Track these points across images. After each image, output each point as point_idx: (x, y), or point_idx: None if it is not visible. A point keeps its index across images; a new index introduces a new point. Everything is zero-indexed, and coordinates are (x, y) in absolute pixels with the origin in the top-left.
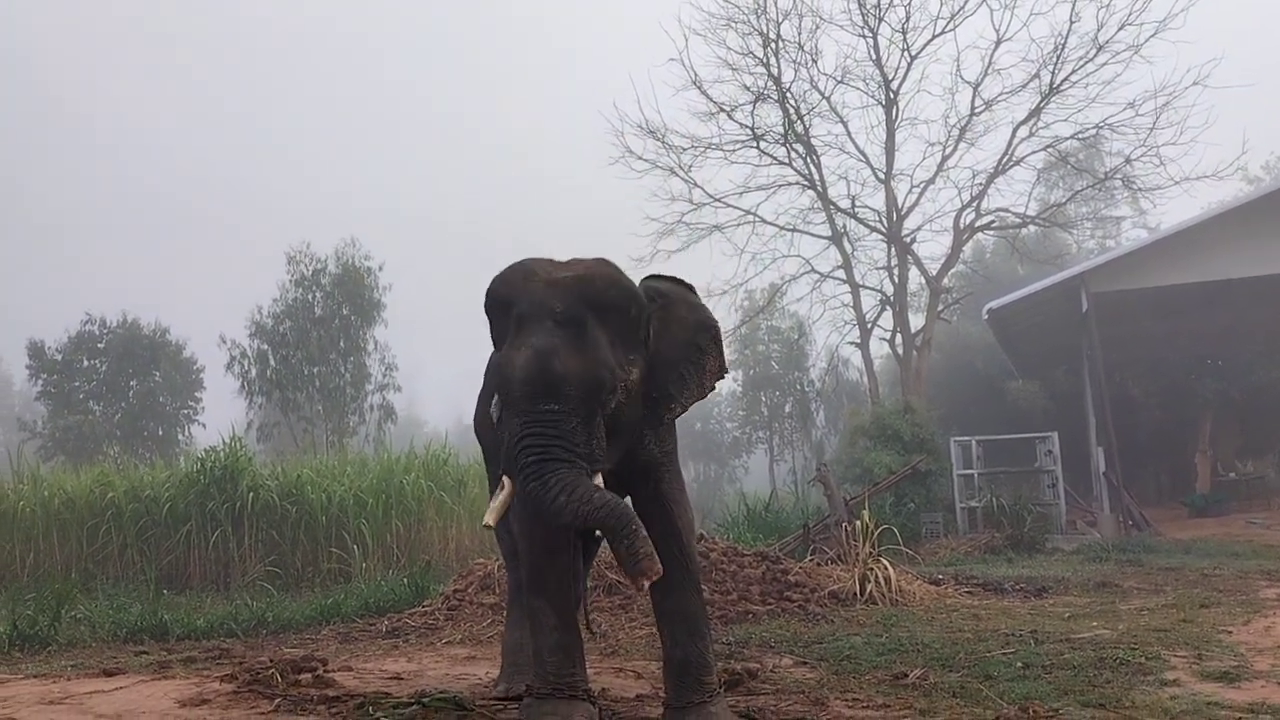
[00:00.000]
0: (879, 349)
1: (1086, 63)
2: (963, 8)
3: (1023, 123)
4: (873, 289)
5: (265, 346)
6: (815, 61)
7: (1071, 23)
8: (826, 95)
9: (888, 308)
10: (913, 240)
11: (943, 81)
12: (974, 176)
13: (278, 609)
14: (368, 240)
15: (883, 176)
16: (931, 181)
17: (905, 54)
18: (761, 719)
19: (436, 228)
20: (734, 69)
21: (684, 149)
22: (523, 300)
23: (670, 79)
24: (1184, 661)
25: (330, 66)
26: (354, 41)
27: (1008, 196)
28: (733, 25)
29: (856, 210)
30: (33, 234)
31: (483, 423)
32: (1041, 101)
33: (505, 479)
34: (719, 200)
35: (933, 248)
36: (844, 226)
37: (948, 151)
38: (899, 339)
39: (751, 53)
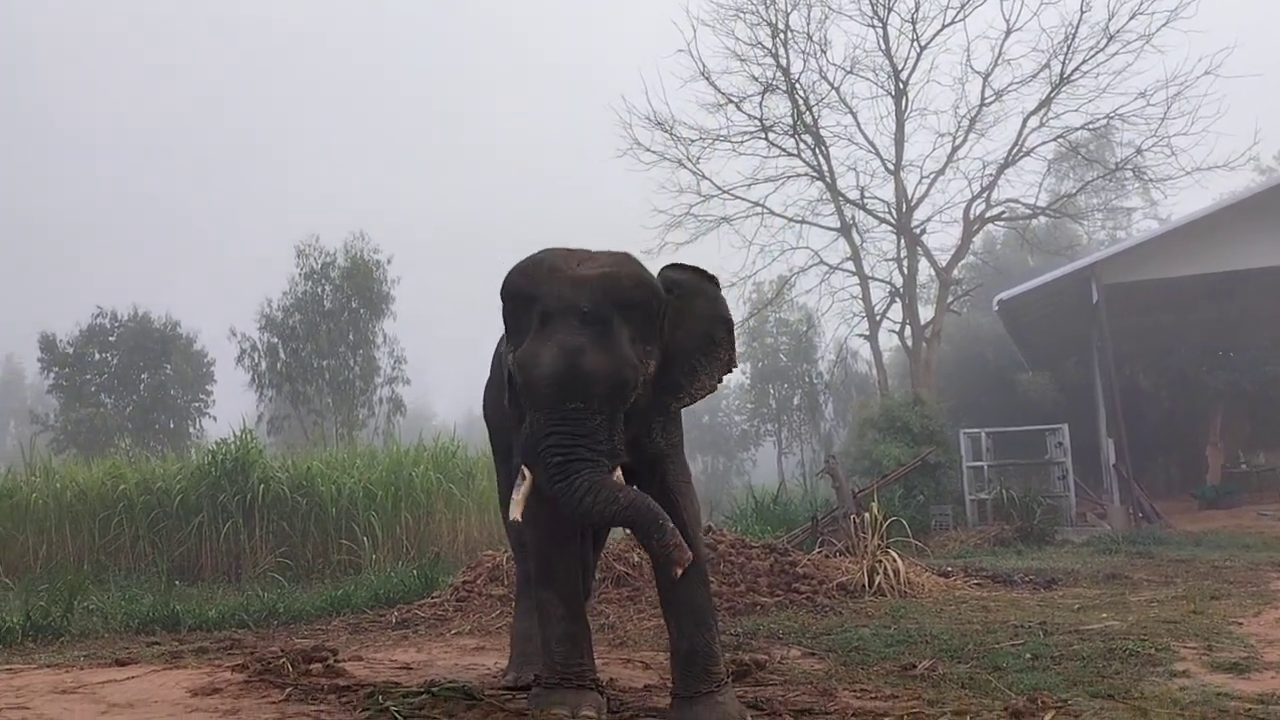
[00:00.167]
0: (888, 341)
1: (1097, 52)
2: None
3: (1033, 113)
4: (882, 281)
5: (275, 339)
6: (824, 52)
7: (1082, 12)
8: (835, 86)
9: (897, 299)
10: (922, 231)
11: (952, 72)
12: (984, 167)
13: (288, 600)
14: (376, 234)
15: (892, 167)
16: (941, 172)
17: (915, 44)
18: (769, 709)
19: (443, 221)
20: (742, 60)
21: (692, 140)
22: (548, 296)
23: (678, 70)
24: (1194, 653)
25: (336, 65)
26: (359, 39)
27: (1018, 187)
28: (741, 16)
29: (866, 202)
30: (44, 229)
31: (491, 409)
32: (1052, 92)
33: (526, 470)
34: (727, 192)
35: (942, 239)
36: (853, 218)
37: (958, 142)
38: (908, 331)
39: (760, 43)
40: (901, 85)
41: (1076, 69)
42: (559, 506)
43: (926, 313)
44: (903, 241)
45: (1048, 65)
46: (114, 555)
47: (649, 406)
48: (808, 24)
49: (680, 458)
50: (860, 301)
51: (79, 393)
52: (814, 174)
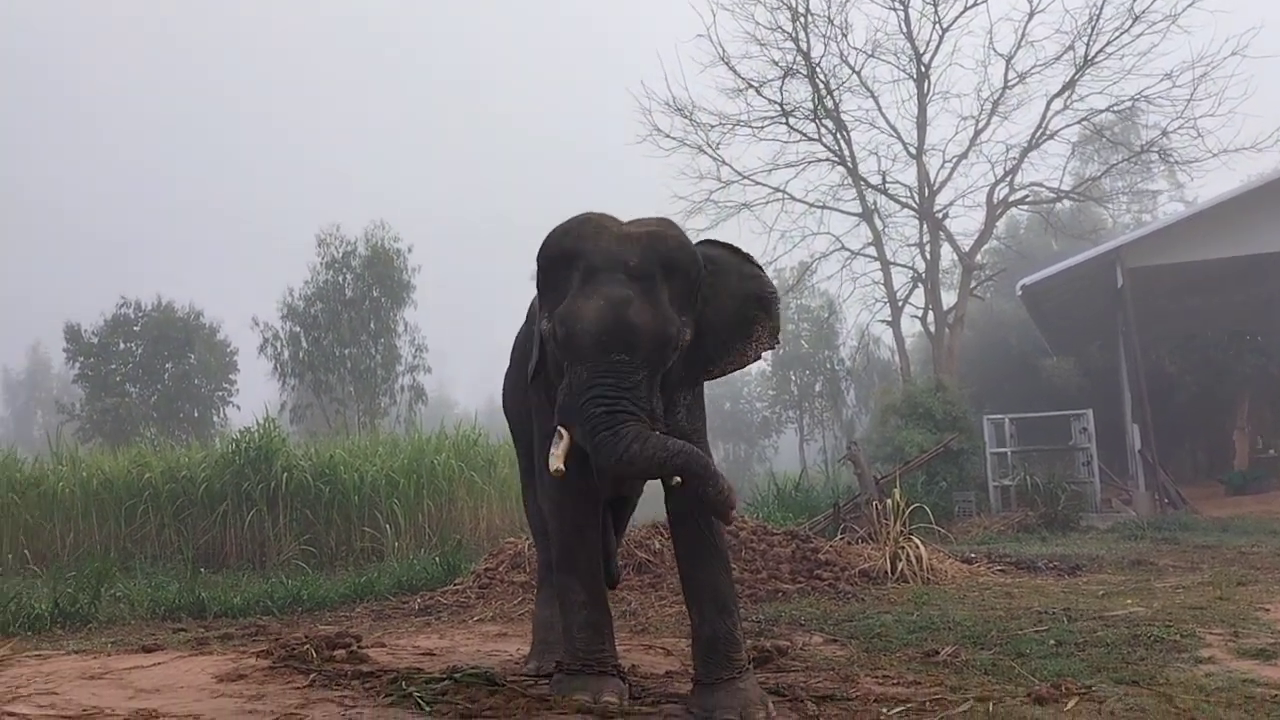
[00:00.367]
0: (910, 327)
1: (1122, 34)
2: None
3: (1057, 95)
4: (904, 266)
5: (297, 329)
6: (845, 35)
7: None
8: (857, 69)
9: (919, 285)
10: (945, 216)
11: (975, 54)
12: (1007, 151)
13: (312, 587)
14: (396, 222)
15: (914, 151)
16: (964, 156)
17: (937, 26)
18: (791, 696)
19: (465, 210)
20: (762, 44)
21: (712, 126)
22: (593, 252)
23: (698, 55)
24: (1220, 639)
25: (358, 53)
26: (382, 27)
27: (1042, 171)
28: (761, 0)
29: (887, 186)
30: (68, 220)
31: (511, 399)
32: (1076, 74)
33: (563, 430)
34: (747, 178)
35: (965, 223)
36: (875, 203)
37: (980, 125)
38: (931, 316)
39: (780, 27)
40: (923, 68)
41: (1101, 50)
42: (602, 459)
43: (949, 298)
44: (925, 226)
45: (1072, 47)
46: (140, 543)
47: (678, 381)
48: (828, 7)
49: (704, 443)
50: (882, 287)
51: (104, 382)
52: (835, 159)
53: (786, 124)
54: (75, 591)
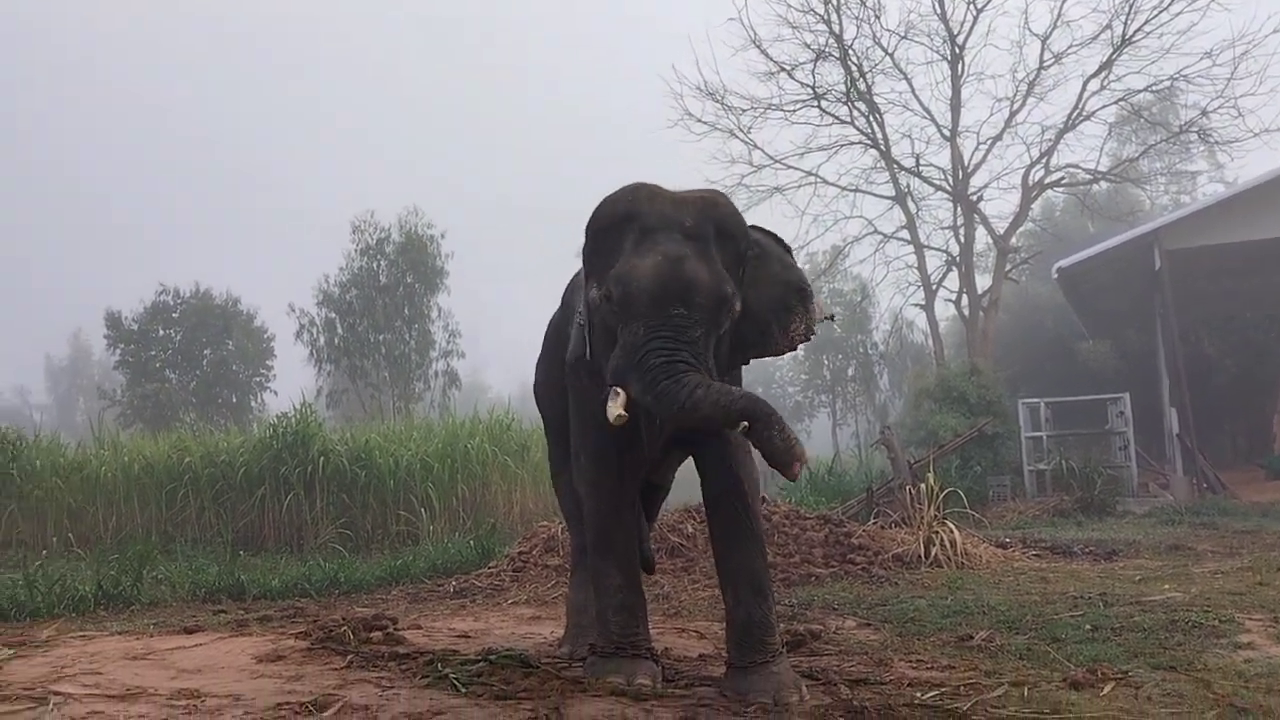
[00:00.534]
0: (944, 310)
1: (1161, 12)
2: None
3: (1094, 76)
4: (938, 249)
5: (333, 315)
6: (878, 17)
7: None
8: (890, 52)
9: (953, 268)
10: (979, 199)
11: (1010, 35)
12: (1043, 132)
13: (349, 570)
14: (431, 208)
15: (948, 134)
16: (999, 138)
17: (971, 7)
18: (825, 680)
19: (499, 195)
20: (794, 27)
21: (743, 110)
22: (648, 214)
23: (729, 39)
24: (1259, 625)
25: (393, 40)
26: (416, 12)
27: (1078, 152)
28: None
29: (921, 169)
30: (109, 210)
31: (543, 386)
32: (1113, 53)
33: (617, 390)
34: (779, 162)
35: (1000, 206)
36: (908, 186)
37: (1015, 107)
38: (965, 300)
39: (812, 9)
40: (958, 50)
41: (1139, 29)
42: (664, 408)
43: (984, 281)
44: (959, 209)
45: (1109, 26)
46: (180, 526)
47: (723, 364)
48: None
49: None
50: (916, 271)
51: (144, 369)
52: (868, 142)
53: (819, 107)
54: (118, 574)
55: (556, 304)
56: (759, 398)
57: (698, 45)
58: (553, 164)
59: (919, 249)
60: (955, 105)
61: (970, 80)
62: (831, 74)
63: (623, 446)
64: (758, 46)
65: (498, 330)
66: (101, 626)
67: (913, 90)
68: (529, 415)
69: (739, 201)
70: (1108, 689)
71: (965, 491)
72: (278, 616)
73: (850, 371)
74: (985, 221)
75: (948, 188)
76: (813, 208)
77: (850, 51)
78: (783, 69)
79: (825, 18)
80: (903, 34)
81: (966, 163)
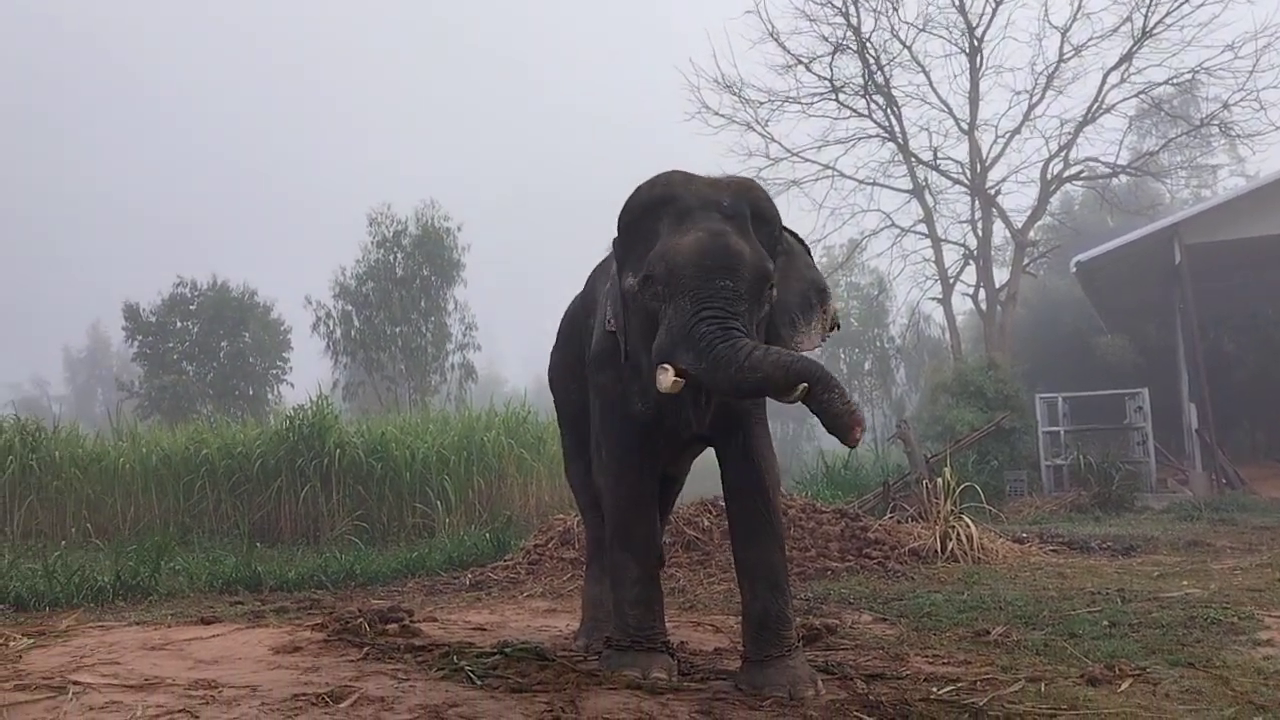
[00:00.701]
0: (962, 304)
1: (1182, 4)
2: None
3: (1114, 68)
4: (955, 243)
5: (349, 307)
6: (896, 10)
7: None
8: (908, 44)
9: (971, 262)
10: (997, 192)
11: (1029, 27)
12: (1062, 125)
13: (365, 562)
14: (447, 200)
15: (966, 127)
16: (1017, 131)
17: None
18: (840, 674)
19: (514, 188)
20: (812, 19)
21: (760, 103)
22: (685, 196)
23: (747, 31)
24: (1279, 622)
25: (409, 32)
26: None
27: (1097, 145)
28: None
29: (939, 162)
30: (127, 203)
31: (558, 375)
32: (1134, 46)
33: (665, 366)
34: (797, 155)
35: (1018, 200)
36: (926, 179)
37: (1034, 100)
38: (983, 294)
39: (830, 2)
40: (976, 42)
41: (1160, 22)
42: (721, 374)
43: (1001, 275)
44: (977, 203)
45: (1129, 18)
46: (197, 517)
47: None
48: None
49: (764, 421)
50: (933, 264)
51: (162, 360)
52: (885, 135)
53: (836, 100)
54: (136, 564)
55: (571, 295)
56: (816, 361)
57: (715, 38)
58: (569, 157)
59: (936, 243)
60: (973, 98)
61: (989, 73)
62: (849, 67)
63: (645, 440)
64: (775, 39)
65: (514, 323)
66: (120, 617)
67: (931, 83)
68: (545, 408)
69: None
70: (1125, 685)
71: (982, 486)
72: (294, 608)
73: (867, 365)
74: (1003, 215)
75: (966, 181)
76: (830, 201)
77: (868, 44)
78: (800, 62)
79: (843, 10)
80: (921, 26)
81: (985, 156)
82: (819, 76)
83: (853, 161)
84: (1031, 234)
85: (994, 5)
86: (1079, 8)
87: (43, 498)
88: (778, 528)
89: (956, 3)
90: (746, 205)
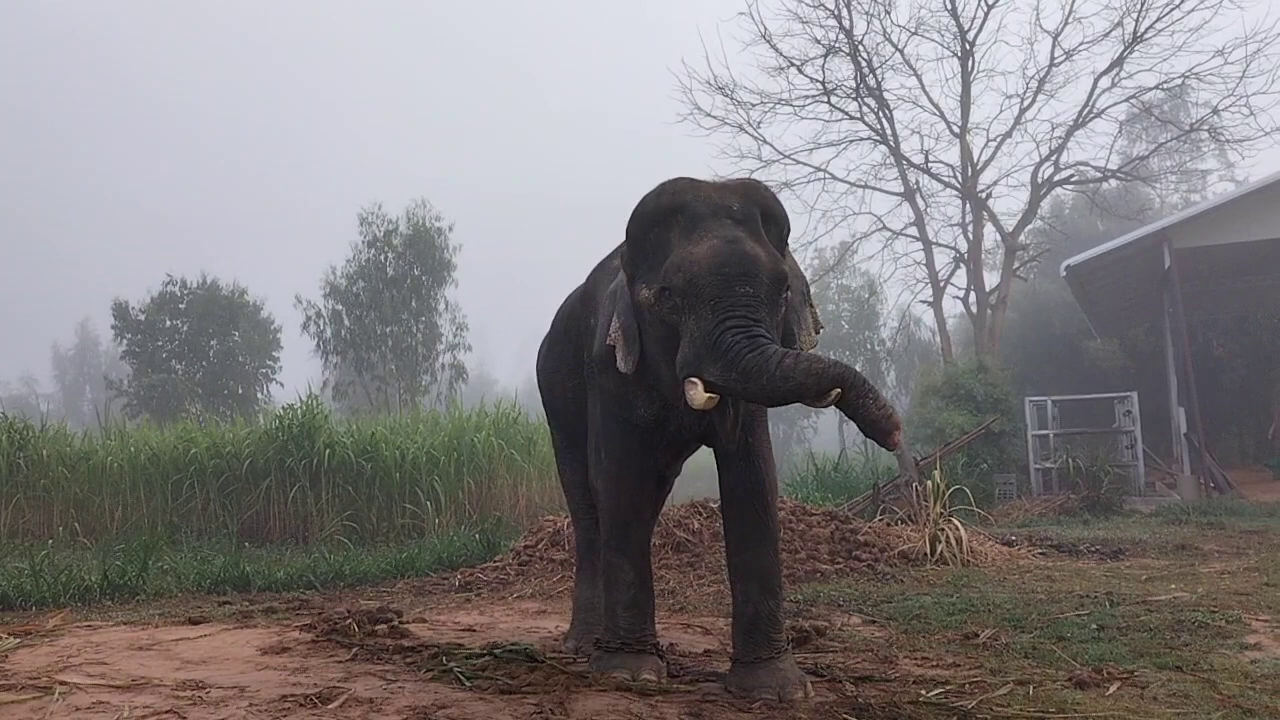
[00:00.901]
0: (952, 308)
1: (1173, 9)
2: None
3: (1104, 73)
4: (946, 246)
5: (339, 307)
6: (888, 13)
7: None
8: (900, 47)
9: (962, 265)
10: (988, 196)
11: (1021, 31)
12: (1053, 129)
13: (354, 562)
14: (437, 201)
15: (957, 130)
16: (1008, 135)
17: (982, 3)
18: (830, 676)
19: (505, 188)
20: (804, 22)
21: (753, 105)
22: (694, 203)
23: (739, 33)
24: (1266, 625)
25: (400, 32)
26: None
27: (1088, 150)
28: None
29: (930, 166)
30: (116, 200)
31: (549, 374)
32: (1124, 51)
33: (693, 380)
34: (788, 157)
35: (1009, 203)
36: (917, 182)
37: (1025, 104)
38: (973, 297)
39: (822, 4)
40: (968, 46)
41: (1150, 27)
42: (753, 384)
43: (992, 279)
44: (968, 206)
45: (1120, 23)
46: (186, 517)
47: None
48: None
49: (765, 424)
50: (924, 267)
51: (151, 359)
52: (877, 138)
53: (828, 103)
54: (124, 564)
55: (562, 296)
56: (848, 365)
57: (707, 40)
58: (559, 158)
59: (927, 246)
60: (965, 102)
61: (980, 77)
62: (841, 69)
63: (647, 444)
64: (768, 41)
65: (505, 323)
66: (107, 616)
67: (922, 86)
68: (536, 409)
69: None
70: (1113, 688)
71: (971, 489)
72: (283, 608)
73: (857, 368)
74: (994, 219)
75: (957, 184)
76: (821, 203)
77: (860, 47)
78: (792, 64)
79: (835, 13)
80: (913, 30)
81: (976, 159)
82: (811, 79)
83: (844, 164)
84: (1022, 238)
85: (986, 9)
86: (1070, 12)
87: (30, 496)
88: (774, 531)
89: (948, 6)
90: (756, 207)
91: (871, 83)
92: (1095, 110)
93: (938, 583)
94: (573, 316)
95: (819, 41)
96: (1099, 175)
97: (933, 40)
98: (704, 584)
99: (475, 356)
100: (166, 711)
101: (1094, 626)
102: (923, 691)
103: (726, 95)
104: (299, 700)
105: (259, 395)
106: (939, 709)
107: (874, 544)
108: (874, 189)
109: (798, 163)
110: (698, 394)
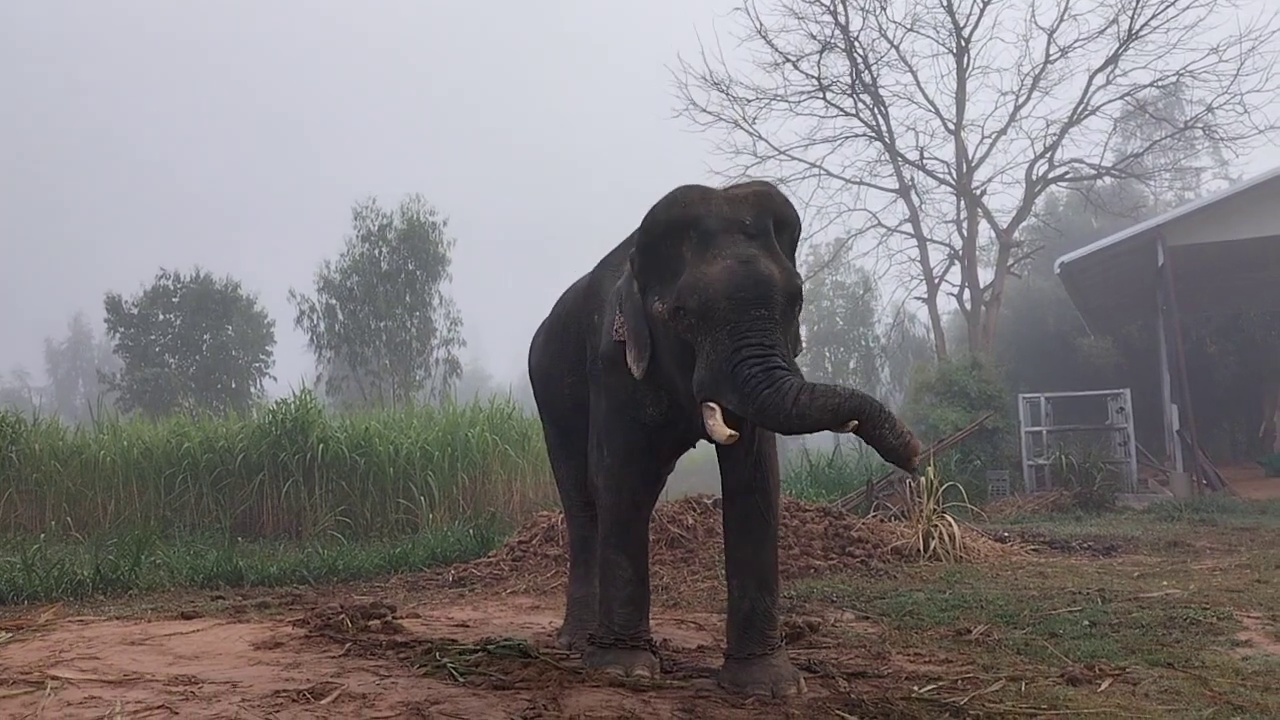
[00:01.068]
0: (946, 304)
1: (1168, 6)
2: None
3: (1099, 70)
4: (941, 243)
5: (333, 301)
6: (884, 9)
7: None
8: (895, 44)
9: (956, 262)
10: (983, 193)
11: (1016, 28)
12: (1048, 126)
13: (348, 557)
14: (432, 195)
15: (952, 127)
16: (1003, 132)
17: (978, 0)
18: (823, 672)
19: (500, 184)
20: (800, 17)
21: (748, 101)
22: (706, 217)
23: (735, 29)
24: (1257, 622)
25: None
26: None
27: (1083, 147)
28: None
29: (925, 162)
30: (110, 192)
31: (545, 371)
32: (1119, 48)
33: (711, 404)
34: (784, 153)
35: (1004, 200)
36: (912, 179)
37: (1021, 101)
38: (967, 294)
39: (818, 0)
40: (963, 42)
41: (1146, 24)
42: (770, 420)
43: (986, 275)
44: (963, 203)
45: (1116, 21)
46: (179, 511)
47: None
48: None
49: (771, 437)
50: (918, 264)
51: (144, 353)
52: (872, 134)
53: (823, 99)
54: (116, 558)
55: (558, 293)
56: (866, 394)
57: (703, 35)
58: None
59: (922, 242)
60: (960, 99)
61: (975, 74)
62: (837, 65)
63: (651, 443)
64: (763, 37)
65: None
66: (99, 611)
67: (918, 83)
68: (529, 405)
69: None
70: (1105, 685)
71: (964, 486)
72: (276, 603)
73: (852, 364)
74: (988, 216)
75: (951, 181)
76: (816, 199)
77: (856, 43)
78: (788, 60)
79: (831, 9)
80: (909, 26)
81: (970, 156)
82: (806, 75)
83: (839, 160)
84: (1016, 234)
85: (981, 6)
86: (1066, 9)
87: (22, 490)
88: (774, 528)
89: (944, 3)
90: (769, 217)
91: (867, 79)
92: (1090, 107)
93: (931, 579)
94: (575, 311)
95: (814, 37)
96: (1093, 172)
97: (928, 37)
98: (698, 580)
99: (469, 352)
100: (159, 707)
101: (1086, 623)
102: (915, 687)
103: (722, 91)
104: (292, 695)
105: (252, 390)
106: (931, 705)
107: (867, 540)
108: (869, 185)
109: (793, 159)
110: (719, 429)
